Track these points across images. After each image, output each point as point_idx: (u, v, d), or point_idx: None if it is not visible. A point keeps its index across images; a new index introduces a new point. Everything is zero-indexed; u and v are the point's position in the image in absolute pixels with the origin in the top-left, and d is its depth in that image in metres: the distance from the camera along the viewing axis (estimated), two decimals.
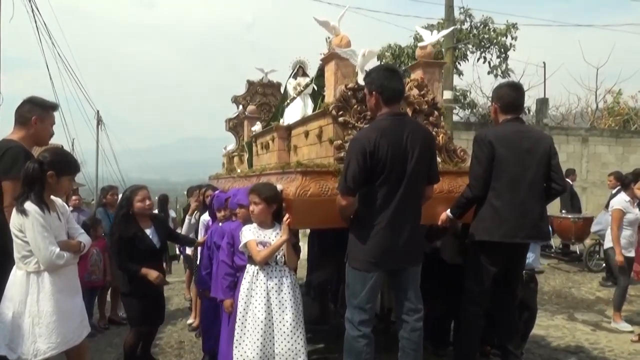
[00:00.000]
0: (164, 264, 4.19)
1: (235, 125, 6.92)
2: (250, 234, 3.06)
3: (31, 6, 10.92)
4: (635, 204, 5.27)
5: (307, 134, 3.84)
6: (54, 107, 3.20)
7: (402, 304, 2.95)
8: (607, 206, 7.19)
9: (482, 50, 13.61)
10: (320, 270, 4.80)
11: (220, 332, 3.46)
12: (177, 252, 6.89)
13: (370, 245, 2.76)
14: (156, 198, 7.09)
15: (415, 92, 3.42)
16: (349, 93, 3.26)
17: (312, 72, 5.20)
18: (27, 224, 2.59)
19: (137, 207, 3.56)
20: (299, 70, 5.38)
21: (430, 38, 3.67)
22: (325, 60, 3.58)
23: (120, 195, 5.72)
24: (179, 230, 4.93)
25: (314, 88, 4.43)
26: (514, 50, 13.35)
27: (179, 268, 7.66)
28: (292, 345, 2.97)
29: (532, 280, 3.87)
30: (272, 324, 2.97)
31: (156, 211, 6.06)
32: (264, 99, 6.72)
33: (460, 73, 14.09)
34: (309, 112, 4.26)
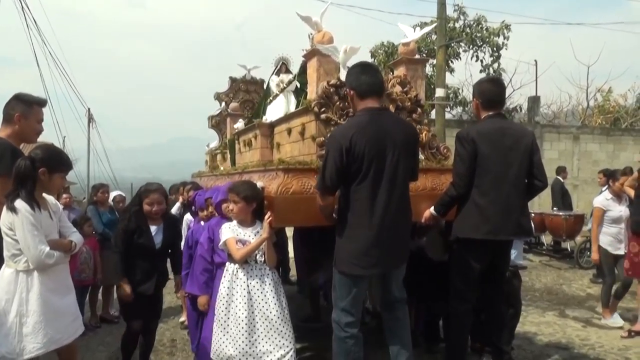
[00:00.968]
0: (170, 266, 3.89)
1: (218, 123, 6.84)
2: (229, 231, 3.02)
3: (21, 4, 10.82)
4: (624, 200, 5.31)
5: (289, 131, 3.81)
6: (40, 102, 3.09)
7: (386, 297, 2.98)
8: None
9: (474, 48, 13.67)
10: (316, 270, 4.78)
11: (202, 333, 3.41)
12: None
13: (356, 249, 2.71)
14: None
15: (398, 89, 3.42)
16: (331, 90, 3.24)
17: (295, 68, 5.19)
18: (16, 222, 2.56)
19: (145, 210, 3.49)
20: (282, 67, 5.35)
21: (413, 35, 3.66)
22: (308, 57, 3.56)
23: (111, 194, 5.69)
24: None
25: (296, 85, 4.41)
26: (506, 49, 13.43)
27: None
28: (279, 341, 2.95)
29: (515, 277, 3.87)
30: (256, 322, 2.95)
31: None
32: (247, 95, 6.66)
33: (452, 71, 14.14)
34: (292, 109, 4.23)
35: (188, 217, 4.63)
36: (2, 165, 2.75)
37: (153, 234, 3.49)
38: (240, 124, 5.27)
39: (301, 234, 4.90)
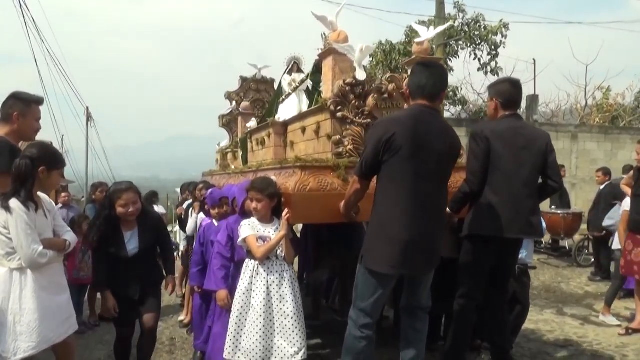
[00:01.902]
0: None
1: (228, 122, 6.88)
2: (249, 229, 3.03)
3: (19, 2, 10.79)
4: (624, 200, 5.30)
5: (304, 129, 3.82)
6: (37, 101, 3.11)
7: (411, 301, 2.93)
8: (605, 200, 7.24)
9: (473, 47, 13.69)
10: (321, 269, 4.79)
11: (212, 329, 3.44)
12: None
13: (389, 247, 2.62)
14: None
15: None
16: (347, 88, 3.26)
17: (306, 68, 5.19)
18: (10, 221, 2.57)
19: (119, 213, 3.21)
20: (294, 66, 5.36)
21: (427, 34, 3.66)
22: (323, 56, 3.57)
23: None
24: (171, 227, 4.89)
25: (309, 84, 4.42)
26: (504, 47, 13.45)
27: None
28: (293, 338, 2.96)
29: (524, 275, 3.90)
30: (273, 317, 2.97)
31: None
32: (257, 95, 6.67)
33: (450, 69, 14.15)
34: (304, 108, 4.24)
35: (201, 216, 4.57)
36: (0, 163, 2.75)
37: (127, 240, 3.25)
38: (253, 123, 5.32)
39: (309, 232, 4.92)
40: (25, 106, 3.01)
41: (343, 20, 3.57)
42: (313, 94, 4.29)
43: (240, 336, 2.97)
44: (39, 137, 3.30)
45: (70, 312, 2.89)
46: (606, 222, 6.81)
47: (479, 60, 13.74)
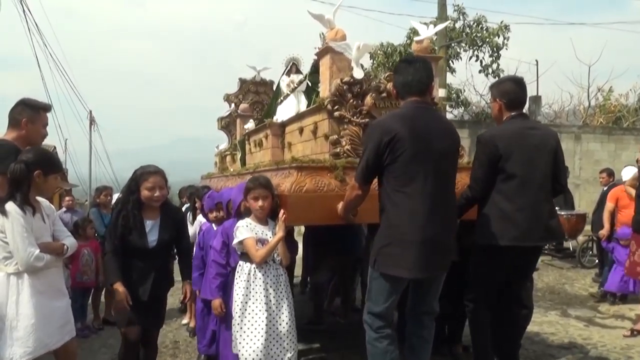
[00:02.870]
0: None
1: (227, 124, 6.88)
2: (247, 231, 2.93)
3: (22, 6, 10.85)
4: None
5: (301, 130, 3.78)
6: (45, 108, 3.18)
7: (419, 304, 2.86)
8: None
9: (475, 49, 13.68)
10: (319, 271, 4.77)
11: (218, 334, 3.41)
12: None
13: (401, 250, 2.56)
14: None
15: None
16: (345, 87, 3.21)
17: (305, 69, 5.19)
18: (7, 225, 2.57)
19: (144, 196, 3.00)
20: (292, 67, 5.35)
21: (426, 32, 3.63)
22: (320, 55, 3.54)
23: (114, 196, 5.68)
24: None
25: (307, 85, 4.41)
26: (506, 49, 13.44)
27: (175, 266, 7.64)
28: (287, 344, 2.94)
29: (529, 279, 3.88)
30: (271, 324, 2.91)
31: None
32: (256, 97, 6.67)
33: (453, 71, 14.15)
34: (303, 109, 4.22)
35: (201, 219, 4.54)
36: (5, 165, 2.78)
37: (147, 229, 3.04)
38: (250, 124, 5.26)
39: (309, 234, 4.91)
40: (34, 113, 3.08)
41: (345, 22, 3.55)
42: (311, 94, 4.27)
43: (242, 344, 2.89)
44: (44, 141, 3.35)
45: (69, 318, 2.86)
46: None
47: (481, 62, 13.74)
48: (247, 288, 2.92)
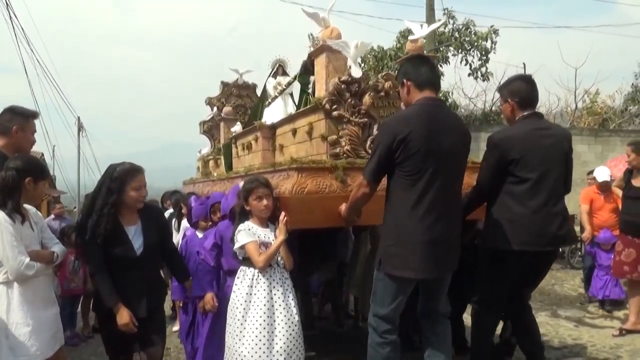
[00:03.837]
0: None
1: (210, 128, 6.73)
2: (248, 235, 2.78)
3: (9, 13, 10.76)
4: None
5: (294, 131, 3.69)
6: (34, 115, 3.21)
7: (430, 305, 2.80)
8: None
9: (464, 52, 13.80)
10: (308, 276, 4.72)
11: (200, 345, 3.32)
12: None
13: (408, 250, 2.51)
14: None
15: None
16: (343, 86, 3.14)
17: (291, 71, 5.14)
18: None
19: (131, 198, 2.71)
20: (279, 69, 5.29)
21: (420, 32, 3.59)
22: (315, 54, 3.47)
23: None
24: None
25: (296, 86, 4.34)
26: (494, 52, 13.57)
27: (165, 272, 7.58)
28: (294, 352, 2.76)
29: None
30: (276, 330, 2.72)
31: None
32: (239, 100, 6.53)
33: (441, 74, 14.24)
34: (290, 111, 4.16)
35: (185, 224, 4.45)
36: None
37: (131, 236, 2.76)
38: (237, 127, 5.13)
39: (295, 237, 4.87)
40: (24, 120, 3.12)
41: (317, 32, 3.50)
42: (301, 95, 4.22)
43: (241, 353, 2.71)
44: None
45: (59, 326, 2.84)
46: None
47: (470, 65, 13.86)
48: (249, 294, 2.76)
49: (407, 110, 2.70)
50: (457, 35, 13.67)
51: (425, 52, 3.63)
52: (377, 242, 3.36)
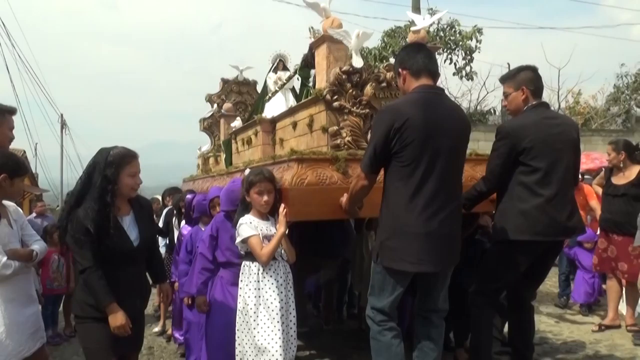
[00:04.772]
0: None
1: (210, 125, 6.73)
2: (250, 228, 2.71)
3: None
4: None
5: (295, 125, 3.65)
6: (10, 111, 3.11)
7: (426, 304, 2.73)
8: None
9: (448, 52, 13.89)
10: (305, 272, 4.68)
11: (204, 344, 3.19)
12: None
13: (407, 243, 2.44)
14: None
15: None
16: (344, 77, 3.09)
17: (291, 66, 5.12)
18: None
19: (126, 185, 2.46)
20: (279, 64, 5.28)
21: (423, 22, 3.53)
22: (316, 44, 3.43)
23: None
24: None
25: (297, 80, 4.31)
26: (479, 52, 13.68)
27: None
28: (292, 344, 2.79)
29: None
30: (284, 324, 2.73)
31: None
32: (239, 97, 6.55)
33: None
34: (291, 105, 4.10)
35: (182, 223, 4.45)
36: None
37: (126, 227, 2.51)
38: (237, 122, 5.08)
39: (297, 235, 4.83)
40: (0, 116, 3.00)
41: (318, 24, 3.48)
42: (302, 89, 4.19)
43: (253, 351, 2.66)
44: (12, 145, 3.27)
45: (39, 324, 2.80)
46: None
47: (455, 64, 13.97)
48: (258, 289, 2.71)
49: (402, 98, 2.64)
50: (442, 35, 13.76)
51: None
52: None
